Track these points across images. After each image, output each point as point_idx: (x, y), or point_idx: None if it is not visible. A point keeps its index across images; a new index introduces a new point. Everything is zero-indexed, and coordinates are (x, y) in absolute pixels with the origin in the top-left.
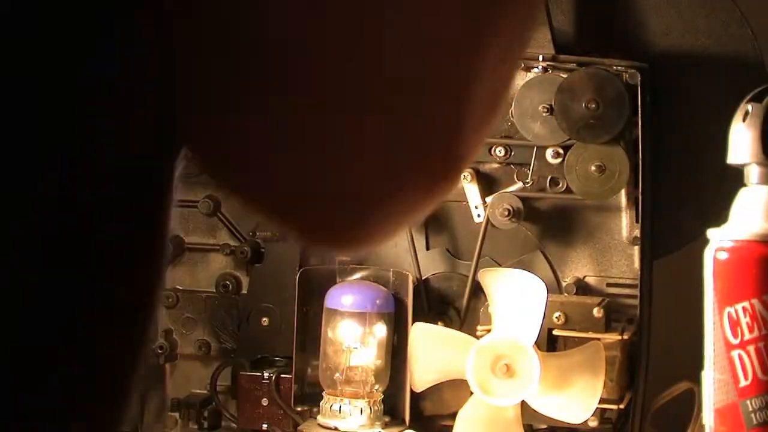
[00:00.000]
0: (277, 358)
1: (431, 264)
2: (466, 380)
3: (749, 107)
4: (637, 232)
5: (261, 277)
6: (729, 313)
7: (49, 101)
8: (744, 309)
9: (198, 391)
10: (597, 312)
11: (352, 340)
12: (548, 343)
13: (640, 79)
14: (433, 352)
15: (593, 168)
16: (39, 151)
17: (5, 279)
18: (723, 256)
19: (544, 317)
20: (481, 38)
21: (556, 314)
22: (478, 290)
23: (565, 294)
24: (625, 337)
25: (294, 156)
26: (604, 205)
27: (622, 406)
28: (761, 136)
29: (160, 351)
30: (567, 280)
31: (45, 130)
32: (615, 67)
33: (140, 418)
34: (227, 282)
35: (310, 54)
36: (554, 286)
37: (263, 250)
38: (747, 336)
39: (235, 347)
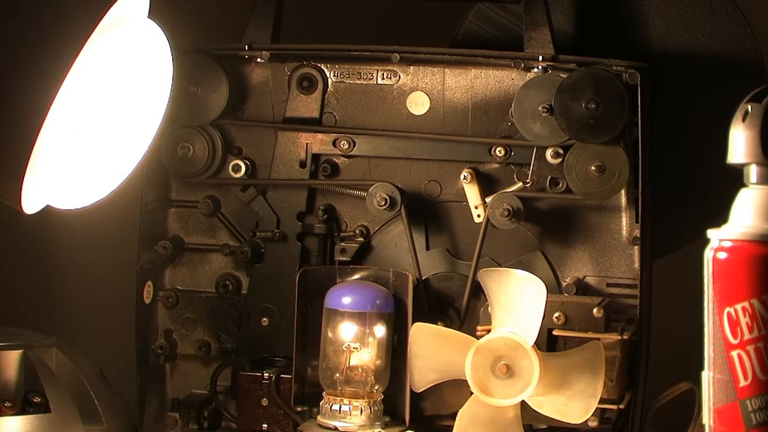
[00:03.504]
0: (277, 358)
1: (431, 264)
2: (466, 380)
3: (749, 107)
4: (637, 232)
5: (261, 277)
6: (729, 313)
7: None
8: (743, 309)
9: (198, 391)
10: (597, 312)
11: (352, 340)
12: (548, 343)
13: (640, 79)
14: (433, 352)
15: (593, 168)
16: None
17: None
18: (723, 256)
19: (544, 317)
20: None
21: (556, 314)
22: (478, 290)
23: (565, 294)
24: (625, 337)
25: None
26: (604, 205)
27: (622, 406)
28: (761, 136)
29: (160, 351)
30: (567, 280)
31: None
32: (615, 67)
33: (140, 418)
34: (227, 282)
35: None
36: (554, 286)
37: (263, 250)
38: (747, 336)
39: (235, 347)
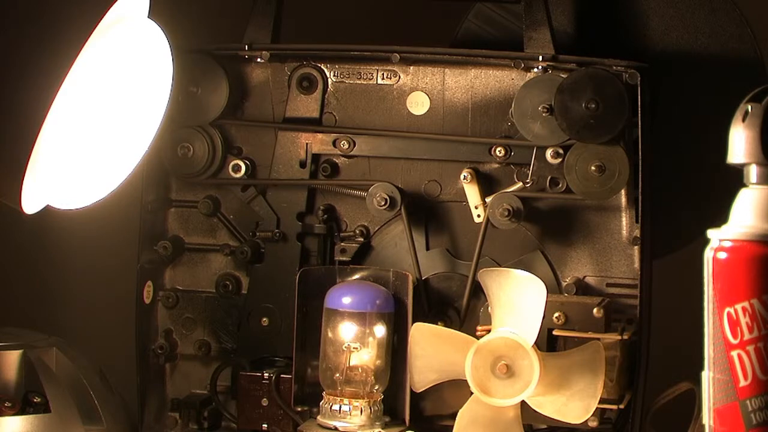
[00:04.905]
0: (277, 358)
1: (431, 264)
2: (466, 380)
3: (749, 107)
4: (637, 232)
5: (261, 277)
6: (729, 313)
7: None
8: (743, 309)
9: (198, 391)
10: (597, 312)
11: (352, 340)
12: (548, 343)
13: (639, 79)
14: (433, 352)
15: (593, 168)
16: None
17: None
18: (723, 256)
19: (544, 317)
20: None
21: (556, 314)
22: (478, 290)
23: (565, 294)
24: (625, 337)
25: None
26: (604, 205)
27: (622, 406)
28: (761, 136)
29: (160, 351)
30: (567, 280)
31: None
32: (615, 67)
33: (140, 418)
34: (227, 282)
35: None
36: (554, 286)
37: (263, 250)
38: (746, 336)
39: (235, 347)
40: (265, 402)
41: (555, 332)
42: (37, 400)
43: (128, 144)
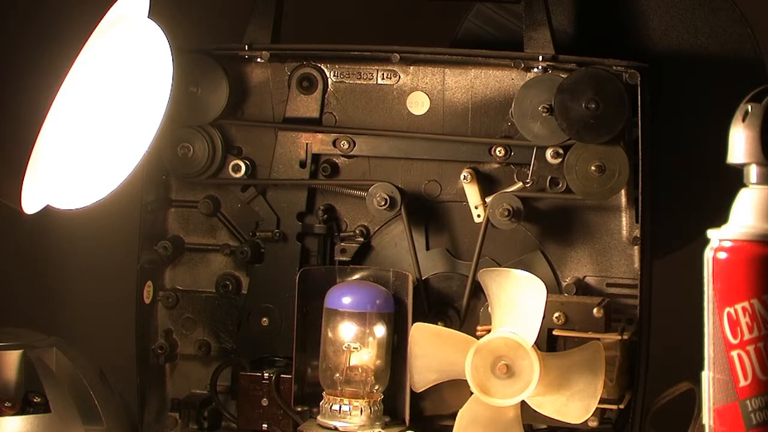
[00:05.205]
0: (277, 358)
1: (431, 264)
2: (466, 380)
3: (749, 107)
4: (637, 232)
5: (261, 277)
6: (728, 313)
7: None
8: (743, 309)
9: (198, 391)
10: (597, 312)
11: (352, 340)
12: (548, 343)
13: (639, 79)
14: (433, 352)
15: (593, 168)
16: None
17: None
18: (723, 256)
19: (544, 317)
20: None
21: (556, 314)
22: (478, 290)
23: (565, 294)
24: (625, 337)
25: None
26: (604, 205)
27: (622, 406)
28: (761, 136)
29: (160, 351)
30: (567, 280)
31: None
32: (615, 67)
33: (140, 418)
34: (227, 282)
35: None
36: (554, 286)
37: (263, 250)
38: (746, 336)
39: (235, 347)
40: (265, 402)
41: (555, 332)
42: (37, 400)
43: (128, 144)
